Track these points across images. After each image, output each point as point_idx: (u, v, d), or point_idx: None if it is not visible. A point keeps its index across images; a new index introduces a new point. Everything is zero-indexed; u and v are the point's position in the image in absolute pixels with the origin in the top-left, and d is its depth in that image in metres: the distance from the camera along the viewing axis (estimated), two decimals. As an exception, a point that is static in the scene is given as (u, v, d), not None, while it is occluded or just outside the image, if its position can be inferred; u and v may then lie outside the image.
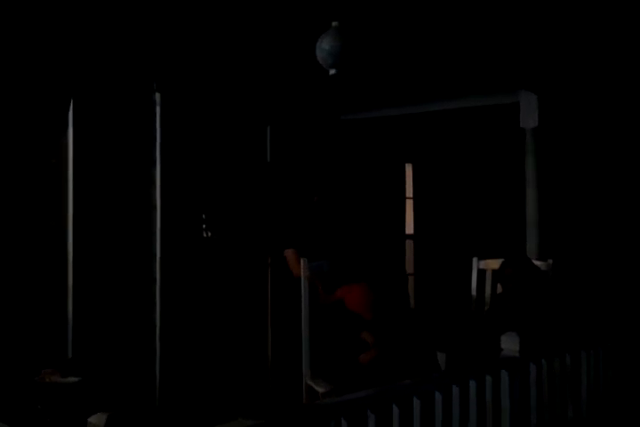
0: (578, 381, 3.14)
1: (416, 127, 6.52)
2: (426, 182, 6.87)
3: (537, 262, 4.40)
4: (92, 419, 1.94)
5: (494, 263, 4.46)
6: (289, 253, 4.83)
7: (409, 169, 6.84)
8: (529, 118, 5.13)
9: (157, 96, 4.49)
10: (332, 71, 3.51)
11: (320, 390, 3.61)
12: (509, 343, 2.83)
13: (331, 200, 5.14)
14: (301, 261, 4.04)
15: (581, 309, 4.63)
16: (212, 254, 4.86)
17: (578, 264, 5.42)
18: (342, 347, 3.76)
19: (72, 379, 3.47)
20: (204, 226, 4.86)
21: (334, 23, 3.48)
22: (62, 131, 4.11)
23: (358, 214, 5.96)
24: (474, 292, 4.65)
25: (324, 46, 3.45)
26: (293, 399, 4.11)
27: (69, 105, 4.10)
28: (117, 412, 1.96)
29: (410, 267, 6.74)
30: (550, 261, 4.51)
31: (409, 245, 6.78)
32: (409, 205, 6.82)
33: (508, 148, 5.98)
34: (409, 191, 6.83)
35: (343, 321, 3.82)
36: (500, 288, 4.35)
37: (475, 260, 4.72)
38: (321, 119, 5.76)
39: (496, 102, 5.41)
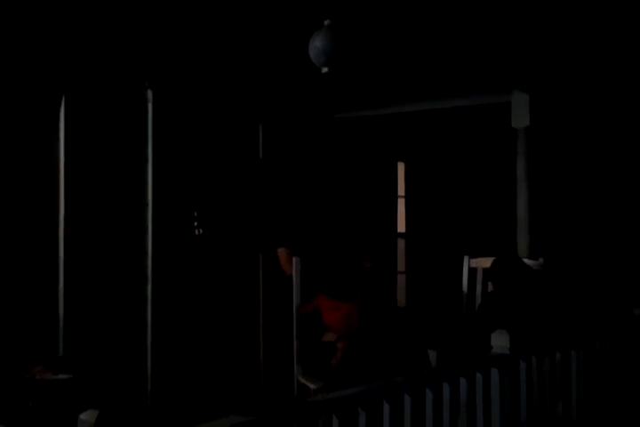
0: (568, 378, 3.16)
1: (408, 126, 6.53)
2: (418, 181, 6.89)
3: (527, 261, 4.42)
4: (84, 416, 1.94)
5: (485, 262, 4.48)
6: (281, 251, 4.82)
7: (401, 167, 6.86)
8: (520, 118, 5.15)
9: (149, 93, 4.48)
10: (325, 69, 3.51)
11: (311, 386, 3.62)
12: (500, 341, 2.84)
13: (323, 198, 5.14)
14: (293, 259, 4.04)
15: (571, 307, 4.66)
16: (203, 252, 4.86)
17: (568, 263, 5.45)
18: (323, 348, 3.79)
19: (63, 376, 3.46)
20: (195, 223, 4.86)
21: (327, 21, 3.48)
22: (53, 128, 4.09)
23: (350, 212, 5.97)
24: (465, 290, 4.67)
25: (317, 44, 3.45)
26: (285, 396, 4.12)
27: (61, 102, 4.09)
28: (109, 409, 1.96)
29: (401, 265, 6.76)
30: (541, 259, 4.53)
31: (400, 243, 6.79)
32: (401, 203, 6.84)
33: (500, 147, 6.00)
34: (401, 190, 6.85)
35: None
36: (490, 286, 4.37)
37: (466, 258, 4.74)
38: (313, 117, 5.77)
39: (488, 102, 5.43)
